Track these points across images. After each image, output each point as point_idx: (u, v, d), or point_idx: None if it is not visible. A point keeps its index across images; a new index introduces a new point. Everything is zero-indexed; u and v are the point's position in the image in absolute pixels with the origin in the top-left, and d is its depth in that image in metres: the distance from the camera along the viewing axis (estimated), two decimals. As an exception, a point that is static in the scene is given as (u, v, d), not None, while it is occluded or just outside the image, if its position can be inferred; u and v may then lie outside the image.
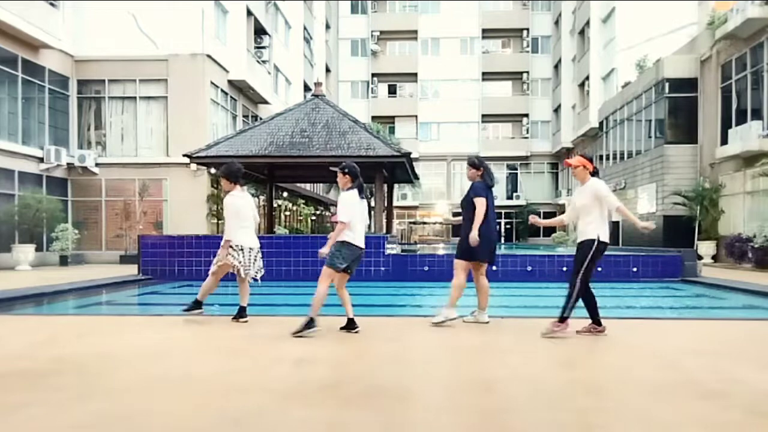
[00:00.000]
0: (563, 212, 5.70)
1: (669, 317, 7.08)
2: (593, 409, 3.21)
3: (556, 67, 40.71)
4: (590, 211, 5.33)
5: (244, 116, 23.33)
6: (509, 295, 9.10)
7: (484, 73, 42.58)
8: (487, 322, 5.96)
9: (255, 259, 6.18)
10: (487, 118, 42.59)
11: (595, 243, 5.24)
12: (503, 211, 39.81)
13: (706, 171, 20.07)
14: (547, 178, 42.00)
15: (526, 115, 42.25)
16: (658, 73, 21.55)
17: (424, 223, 39.96)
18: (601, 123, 29.22)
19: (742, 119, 17.98)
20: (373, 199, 14.91)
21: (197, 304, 6.26)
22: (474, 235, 5.72)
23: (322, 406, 3.24)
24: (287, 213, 28.35)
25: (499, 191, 38.59)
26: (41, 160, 17.58)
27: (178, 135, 18.82)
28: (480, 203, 5.81)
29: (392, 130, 41.74)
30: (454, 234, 37.92)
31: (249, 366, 4.28)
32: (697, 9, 24.24)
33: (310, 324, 5.18)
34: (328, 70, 39.21)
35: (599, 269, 11.05)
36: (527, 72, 42.35)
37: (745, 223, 17.70)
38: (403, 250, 13.52)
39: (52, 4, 17.43)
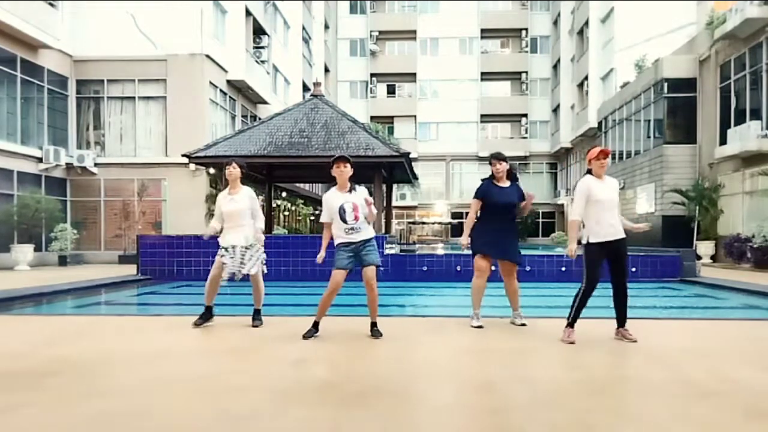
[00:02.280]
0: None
1: (668, 317, 7.08)
2: (592, 409, 3.21)
3: (555, 67, 40.71)
4: (615, 207, 5.19)
5: (243, 116, 23.33)
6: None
7: (483, 73, 42.57)
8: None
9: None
10: (486, 118, 42.57)
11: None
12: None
13: (705, 171, 20.09)
14: (546, 178, 41.94)
15: (525, 115, 42.24)
16: (656, 73, 21.57)
17: (423, 223, 39.90)
18: (599, 123, 29.23)
19: (740, 119, 17.99)
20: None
21: (257, 313, 5.98)
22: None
23: (322, 406, 3.25)
24: (286, 213, 28.35)
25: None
26: (40, 160, 17.59)
27: (176, 135, 18.83)
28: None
29: (391, 130, 41.68)
30: (453, 234, 37.88)
31: (248, 366, 4.28)
32: (695, 9, 24.25)
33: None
34: (327, 70, 39.20)
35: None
36: (526, 72, 42.36)
37: (744, 223, 17.71)
38: (402, 250, 13.51)
39: (51, 4, 17.42)
